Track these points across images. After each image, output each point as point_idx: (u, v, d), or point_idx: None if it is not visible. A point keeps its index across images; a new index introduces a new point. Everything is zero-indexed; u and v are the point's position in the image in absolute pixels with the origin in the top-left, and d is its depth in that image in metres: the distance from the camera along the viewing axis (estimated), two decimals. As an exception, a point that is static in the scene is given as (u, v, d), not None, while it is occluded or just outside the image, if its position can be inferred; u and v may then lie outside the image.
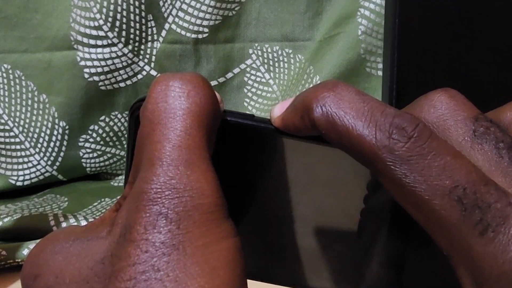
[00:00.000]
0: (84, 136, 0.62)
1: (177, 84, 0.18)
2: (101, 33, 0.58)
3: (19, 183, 0.61)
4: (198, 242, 0.15)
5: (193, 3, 0.60)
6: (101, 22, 0.58)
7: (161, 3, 0.60)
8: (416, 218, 0.16)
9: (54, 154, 0.61)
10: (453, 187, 0.15)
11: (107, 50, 0.59)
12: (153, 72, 0.62)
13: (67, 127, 0.61)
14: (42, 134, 0.61)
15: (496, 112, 0.19)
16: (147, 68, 0.62)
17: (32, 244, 0.45)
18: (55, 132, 0.61)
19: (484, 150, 0.17)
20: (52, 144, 0.61)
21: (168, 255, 0.15)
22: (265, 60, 0.64)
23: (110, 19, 0.58)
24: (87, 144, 0.62)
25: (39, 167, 0.61)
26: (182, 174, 0.16)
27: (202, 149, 0.17)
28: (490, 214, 0.15)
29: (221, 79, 0.64)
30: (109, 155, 0.64)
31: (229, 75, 0.64)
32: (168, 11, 0.61)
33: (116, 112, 0.63)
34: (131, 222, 0.16)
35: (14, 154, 0.61)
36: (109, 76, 0.60)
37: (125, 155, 0.63)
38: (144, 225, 0.16)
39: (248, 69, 0.64)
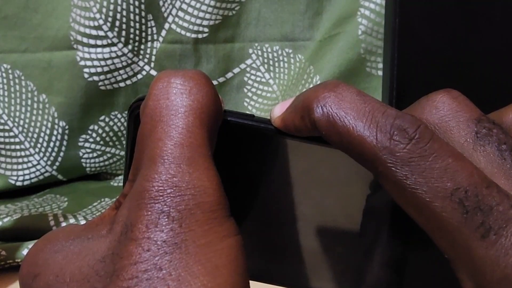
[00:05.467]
0: (84, 136, 0.62)
1: (179, 81, 0.18)
2: (101, 33, 0.58)
3: (19, 183, 0.61)
4: (201, 241, 0.15)
5: (193, 3, 0.60)
6: (101, 22, 0.58)
7: (161, 3, 0.60)
8: (417, 220, 0.16)
9: (54, 154, 0.61)
10: (455, 189, 0.15)
11: (107, 50, 0.59)
12: (153, 72, 0.62)
13: (67, 127, 0.61)
14: (42, 134, 0.61)
15: (498, 113, 0.19)
16: (147, 68, 0.61)
17: (31, 244, 0.45)
18: (55, 132, 0.61)
19: (486, 152, 0.17)
20: (52, 144, 0.61)
21: (170, 254, 0.15)
22: (265, 60, 0.64)
23: (110, 19, 0.58)
24: (87, 144, 0.62)
25: (39, 167, 0.61)
26: (184, 172, 0.16)
27: (204, 147, 0.17)
28: (492, 217, 0.15)
29: (221, 79, 0.64)
30: (109, 155, 0.64)
31: (229, 75, 0.64)
32: (168, 10, 0.60)
33: (116, 112, 0.63)
34: (133, 220, 0.16)
35: (14, 154, 0.61)
36: (109, 76, 0.60)
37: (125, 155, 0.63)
38: (146, 224, 0.15)
39: (248, 69, 0.64)
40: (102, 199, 0.58)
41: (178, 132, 0.17)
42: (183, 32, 0.61)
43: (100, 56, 0.59)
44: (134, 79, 0.62)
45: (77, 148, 0.62)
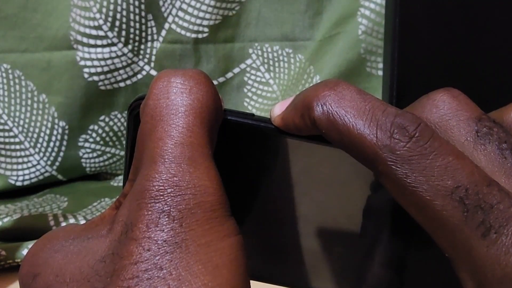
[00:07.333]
0: (83, 136, 0.62)
1: (179, 80, 0.18)
2: (101, 33, 0.58)
3: (18, 183, 0.61)
4: (201, 240, 0.15)
5: (193, 3, 0.60)
6: (101, 21, 0.58)
7: (161, 2, 0.60)
8: (417, 219, 0.16)
9: (53, 154, 0.61)
10: (455, 188, 0.15)
11: (106, 50, 0.59)
12: (153, 72, 0.62)
13: (66, 127, 0.61)
14: (42, 134, 0.61)
15: (498, 112, 0.19)
16: (147, 68, 0.61)
17: (31, 244, 0.45)
18: (55, 132, 0.61)
19: (487, 151, 0.17)
20: (51, 144, 0.61)
21: (171, 254, 0.15)
22: (265, 60, 0.64)
23: (109, 19, 0.58)
24: (86, 144, 0.62)
25: (38, 167, 0.61)
26: (184, 172, 0.16)
27: (204, 147, 0.17)
28: (493, 215, 0.15)
29: (221, 79, 0.64)
30: (108, 155, 0.64)
31: (229, 75, 0.64)
32: (168, 10, 0.60)
33: (116, 112, 0.63)
34: (133, 220, 0.16)
35: (13, 154, 0.61)
36: (108, 76, 0.60)
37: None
38: (146, 223, 0.15)
39: (248, 69, 0.64)
40: (102, 199, 0.58)
41: (178, 131, 0.17)
42: (183, 32, 0.61)
43: (100, 56, 0.59)
44: (134, 79, 0.61)
45: (77, 148, 0.62)
